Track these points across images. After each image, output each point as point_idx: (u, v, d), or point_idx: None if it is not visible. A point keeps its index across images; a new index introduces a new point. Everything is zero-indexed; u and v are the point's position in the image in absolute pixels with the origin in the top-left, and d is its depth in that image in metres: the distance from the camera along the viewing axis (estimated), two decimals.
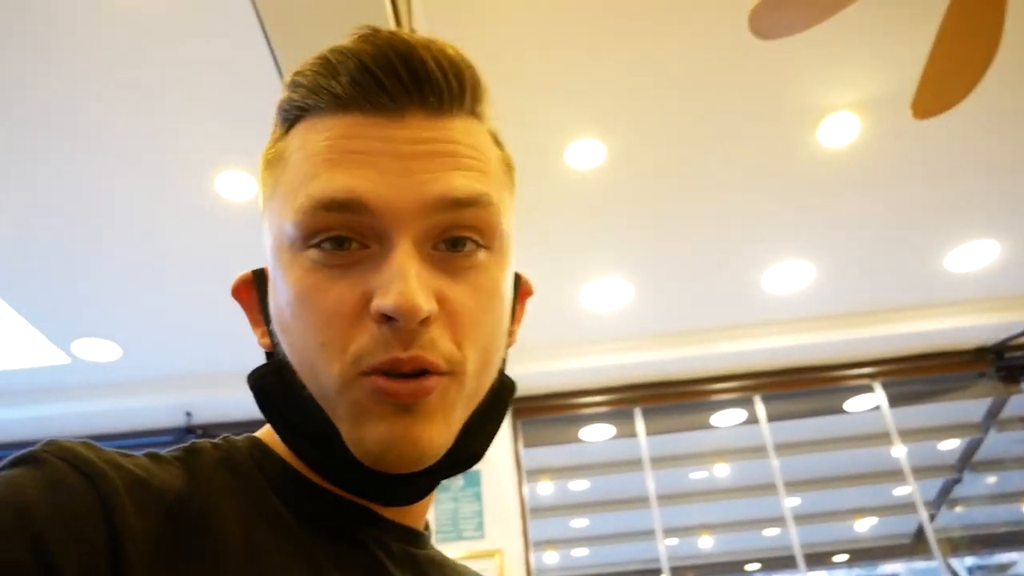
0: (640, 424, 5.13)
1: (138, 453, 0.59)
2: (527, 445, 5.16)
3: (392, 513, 0.66)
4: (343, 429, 0.58)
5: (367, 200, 0.56)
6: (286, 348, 0.62)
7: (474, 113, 0.64)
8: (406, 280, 0.54)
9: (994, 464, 6.53)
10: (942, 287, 4.67)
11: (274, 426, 0.65)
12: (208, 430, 5.11)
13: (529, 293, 0.74)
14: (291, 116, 0.63)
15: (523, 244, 4.30)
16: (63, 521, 0.48)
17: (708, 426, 5.58)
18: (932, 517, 6.62)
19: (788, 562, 4.91)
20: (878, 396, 5.14)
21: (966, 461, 6.44)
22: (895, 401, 5.18)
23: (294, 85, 0.62)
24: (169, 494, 0.55)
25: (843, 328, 4.86)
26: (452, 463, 0.61)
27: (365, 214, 0.57)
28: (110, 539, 0.49)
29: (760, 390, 5.16)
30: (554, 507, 6.92)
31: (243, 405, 4.94)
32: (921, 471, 6.27)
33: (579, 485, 6.70)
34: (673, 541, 7.40)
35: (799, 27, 2.56)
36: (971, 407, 5.77)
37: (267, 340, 0.65)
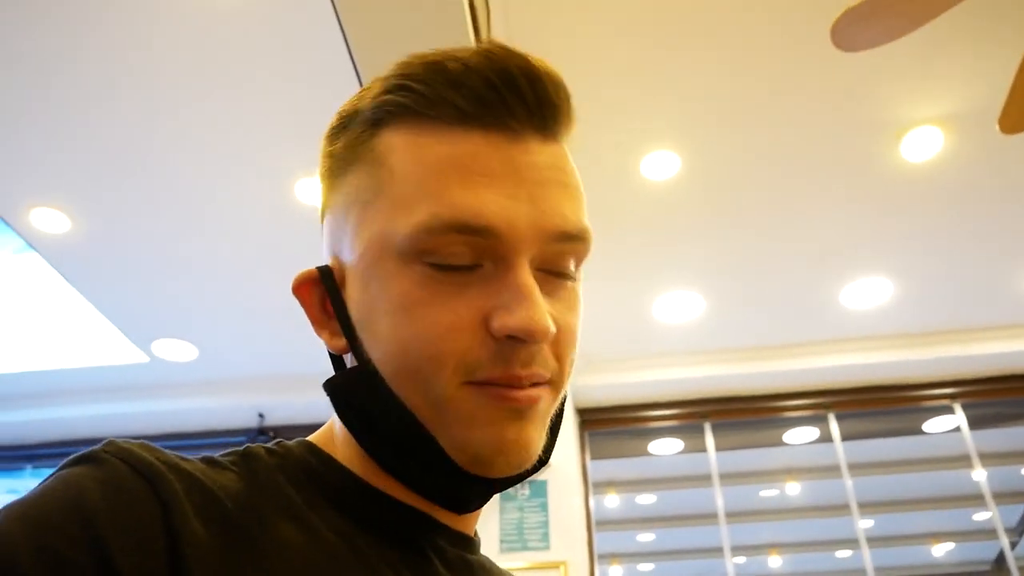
0: (710, 439, 5.07)
1: (194, 457, 0.59)
2: (594, 457, 5.14)
3: (448, 519, 0.66)
4: (446, 435, 0.59)
5: (495, 225, 0.57)
6: (377, 354, 0.61)
7: (568, 138, 0.65)
8: (535, 303, 0.56)
9: None
10: None
11: (357, 435, 0.64)
12: (280, 432, 5.20)
13: None
14: (388, 117, 0.62)
15: (597, 254, 4.26)
16: (123, 524, 0.48)
17: (780, 443, 5.49)
18: (1013, 545, 6.40)
19: None
20: (958, 417, 4.99)
21: None
22: (976, 423, 5.03)
23: (402, 88, 0.61)
24: (228, 499, 0.55)
25: (922, 347, 4.73)
26: (531, 468, 0.62)
27: (491, 238, 0.57)
28: (169, 543, 0.49)
29: (835, 408, 5.05)
30: (620, 520, 6.87)
31: (314, 408, 5.01)
32: (1002, 496, 6.06)
33: (646, 499, 6.65)
34: (741, 559, 7.30)
35: (883, 39, 2.51)
36: None
37: (340, 342, 0.64)
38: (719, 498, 4.93)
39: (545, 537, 4.49)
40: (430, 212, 0.57)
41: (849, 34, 2.47)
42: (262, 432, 5.21)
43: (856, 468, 5.06)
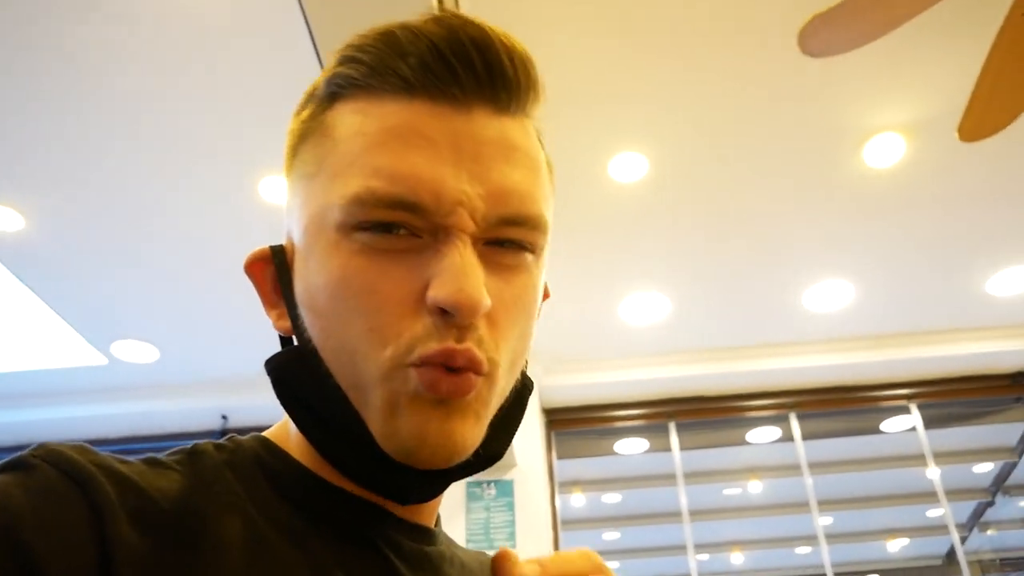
0: (674, 439, 5.11)
1: (135, 458, 0.57)
2: (561, 456, 5.16)
3: (404, 511, 0.64)
4: (374, 420, 0.57)
5: (423, 198, 0.55)
6: (316, 333, 0.59)
7: (529, 113, 0.62)
8: (467, 276, 0.53)
9: None
10: (982, 311, 4.62)
11: (293, 416, 0.62)
12: (243, 433, 5.13)
13: (547, 296, 0.70)
14: (339, 91, 0.60)
15: (563, 254, 4.34)
16: (50, 531, 0.46)
17: (743, 442, 5.55)
18: (964, 539, 6.54)
19: None
20: (914, 417, 5.09)
21: (999, 484, 6.36)
22: (931, 423, 5.13)
23: (351, 59, 0.59)
24: (165, 501, 0.52)
25: (881, 349, 4.82)
26: (476, 461, 0.60)
27: (421, 211, 0.55)
28: (100, 550, 0.47)
29: (796, 408, 5.12)
30: (586, 519, 6.89)
31: (279, 410, 4.94)
32: (954, 493, 6.21)
33: (612, 498, 6.68)
34: (704, 557, 7.36)
35: (848, 46, 2.55)
36: (1006, 431, 5.70)
37: (286, 323, 0.63)
38: (683, 497, 4.98)
39: (511, 536, 4.49)
40: (362, 184, 0.55)
41: (816, 40, 2.51)
42: (225, 434, 5.13)
43: (816, 467, 5.14)
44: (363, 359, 0.56)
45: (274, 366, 0.63)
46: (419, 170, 0.55)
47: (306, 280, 0.60)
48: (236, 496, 0.57)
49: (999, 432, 5.72)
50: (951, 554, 6.58)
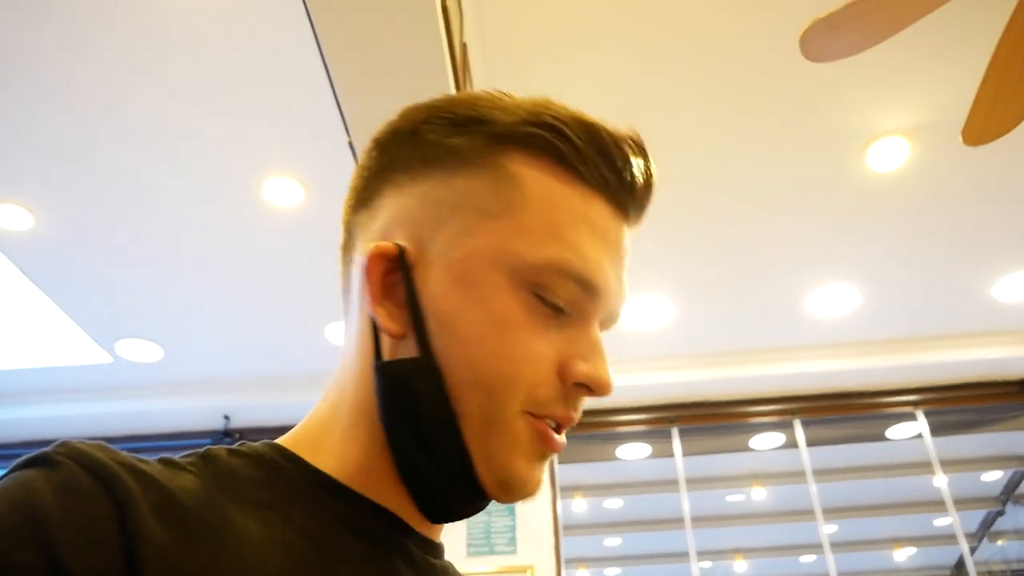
0: (677, 444, 5.09)
1: (151, 458, 0.58)
2: (562, 461, 5.14)
3: (421, 525, 0.67)
4: (485, 453, 0.62)
5: (601, 288, 0.64)
6: (449, 356, 0.62)
7: None
8: (605, 360, 0.64)
9: None
10: (989, 316, 4.59)
11: (393, 420, 0.63)
12: (245, 434, 5.16)
13: None
14: (535, 149, 0.65)
15: None
16: (76, 526, 0.47)
17: (746, 448, 5.53)
18: (973, 549, 6.49)
19: None
20: (920, 424, 5.05)
21: (1009, 493, 6.32)
22: (938, 430, 5.09)
23: (557, 132, 0.64)
24: (187, 499, 0.54)
25: (887, 354, 4.79)
26: None
27: (592, 296, 0.64)
28: (124, 544, 0.48)
29: (800, 414, 5.10)
30: (587, 525, 6.87)
31: (281, 410, 4.98)
32: (963, 502, 6.15)
33: (613, 503, 6.66)
34: (707, 564, 7.32)
35: (851, 50, 2.53)
36: (1016, 439, 5.67)
37: (398, 327, 0.64)
38: (685, 503, 4.96)
39: (512, 541, 4.48)
40: (561, 255, 0.62)
41: (818, 44, 2.49)
42: (227, 434, 5.16)
43: (820, 474, 5.10)
44: (497, 398, 0.61)
45: (395, 373, 0.63)
46: (601, 262, 0.64)
47: (450, 302, 0.63)
48: (251, 497, 0.58)
49: (1008, 440, 5.70)
50: (960, 564, 6.51)
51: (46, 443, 0.52)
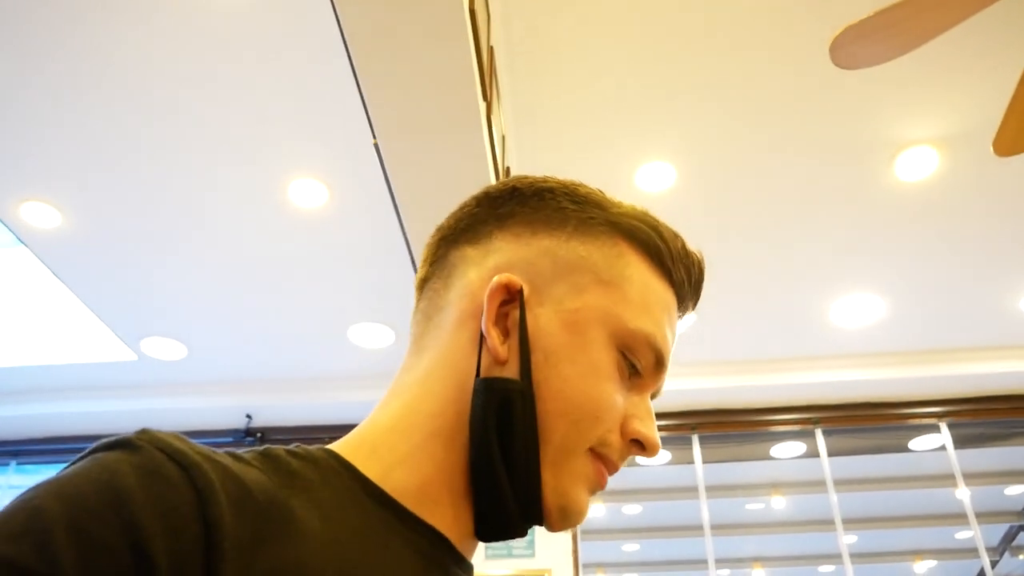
0: (697, 451, 5.07)
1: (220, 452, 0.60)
2: None
3: (461, 544, 0.71)
4: (554, 479, 0.70)
5: (666, 367, 0.76)
6: (546, 387, 0.70)
7: None
8: (655, 425, 0.74)
9: None
10: (1016, 329, 4.54)
11: (481, 433, 0.68)
12: (267, 433, 5.19)
13: None
14: (632, 238, 0.77)
15: None
16: (158, 510, 0.48)
17: (767, 457, 5.50)
18: (994, 563, 6.44)
19: None
20: (944, 436, 5.01)
21: None
22: (961, 442, 5.05)
23: (658, 233, 0.78)
24: (260, 492, 0.55)
25: (911, 365, 4.75)
26: None
27: (660, 372, 0.76)
28: (204, 531, 0.49)
29: (822, 424, 5.06)
30: (606, 530, 6.86)
31: (302, 410, 5.01)
32: (985, 515, 6.09)
33: (632, 509, 6.64)
34: (725, 572, 7.29)
35: (881, 58, 2.52)
36: None
37: (504, 351, 0.71)
38: (705, 510, 4.93)
39: (531, 545, 4.48)
40: (652, 330, 0.74)
41: (848, 52, 2.48)
42: (249, 433, 5.19)
43: (841, 484, 5.07)
44: (579, 433, 0.70)
45: (500, 388, 0.70)
46: (670, 345, 0.76)
47: (558, 341, 0.72)
48: (314, 495, 0.60)
49: None
50: None
51: (72, 439, 0.53)
